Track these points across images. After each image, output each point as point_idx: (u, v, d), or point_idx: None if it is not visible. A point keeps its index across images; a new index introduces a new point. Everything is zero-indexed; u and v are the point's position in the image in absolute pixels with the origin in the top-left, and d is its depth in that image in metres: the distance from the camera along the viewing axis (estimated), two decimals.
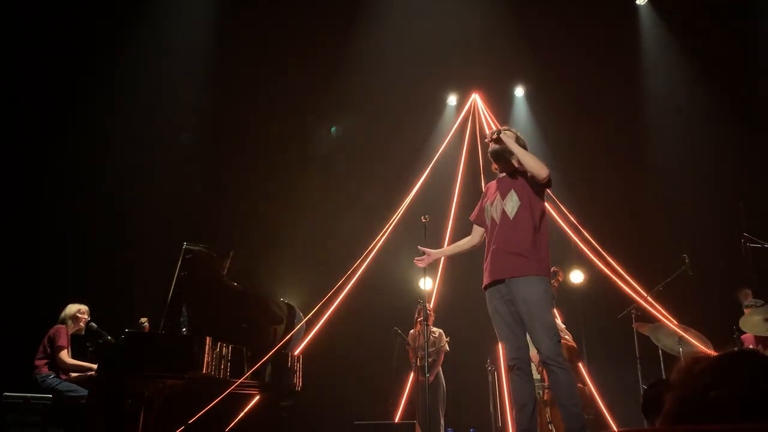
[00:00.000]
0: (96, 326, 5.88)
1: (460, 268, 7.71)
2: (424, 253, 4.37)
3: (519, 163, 3.89)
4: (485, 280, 3.85)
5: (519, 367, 3.70)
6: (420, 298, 5.71)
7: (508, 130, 4.06)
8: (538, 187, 3.83)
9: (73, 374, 5.69)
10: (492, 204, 3.97)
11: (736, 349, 5.02)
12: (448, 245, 7.74)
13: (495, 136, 3.88)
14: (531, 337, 3.69)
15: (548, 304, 3.64)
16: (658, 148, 9.07)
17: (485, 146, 4.09)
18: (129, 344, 4.64)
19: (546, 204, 3.93)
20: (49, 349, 5.68)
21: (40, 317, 6.20)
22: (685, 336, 5.57)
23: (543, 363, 3.68)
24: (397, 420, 6.64)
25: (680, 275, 6.01)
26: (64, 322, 5.87)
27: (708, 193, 8.37)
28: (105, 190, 8.13)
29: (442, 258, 7.64)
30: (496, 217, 3.89)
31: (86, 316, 5.97)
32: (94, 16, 8.21)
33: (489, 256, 3.87)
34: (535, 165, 3.71)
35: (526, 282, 3.64)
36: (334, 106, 9.36)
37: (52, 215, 7.71)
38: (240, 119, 9.24)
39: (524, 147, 3.95)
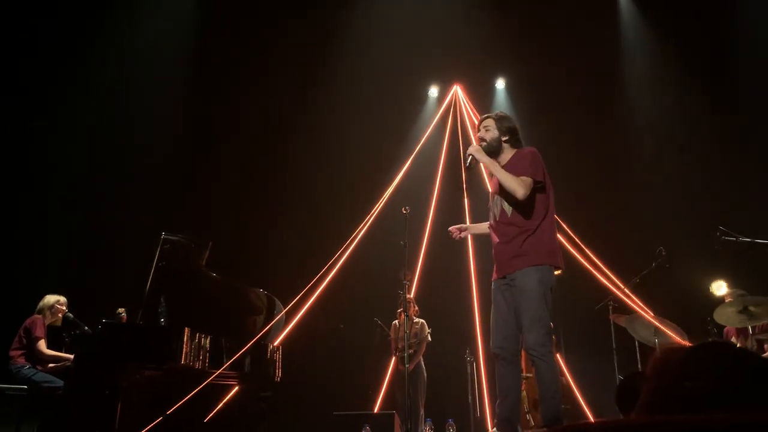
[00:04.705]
0: (73, 316, 5.83)
1: (441, 260, 7.74)
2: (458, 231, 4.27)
3: (509, 151, 3.89)
4: (493, 275, 3.90)
5: (503, 356, 3.71)
6: (400, 289, 5.73)
7: (488, 117, 4.02)
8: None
9: (50, 365, 5.64)
10: (493, 199, 3.97)
11: (710, 339, 5.11)
12: (428, 236, 7.81)
13: (467, 164, 3.90)
14: (522, 326, 3.67)
15: (541, 295, 3.59)
16: (637, 142, 9.15)
17: (467, 142, 4.10)
18: (106, 335, 4.59)
19: (549, 189, 3.81)
20: (24, 340, 5.61)
21: (16, 308, 6.12)
22: (661, 327, 5.66)
23: (527, 352, 3.70)
24: (376, 410, 6.67)
25: (656, 267, 6.08)
26: (41, 312, 5.82)
27: (684, 187, 8.47)
28: (83, 179, 8.04)
29: (424, 247, 7.73)
30: (497, 213, 3.90)
31: (64, 308, 5.91)
32: (75, 14, 8.15)
33: (493, 251, 3.90)
34: (510, 185, 3.67)
35: (523, 274, 3.65)
36: (316, 98, 9.29)
37: (31, 205, 7.61)
38: (221, 110, 9.16)
39: (509, 130, 3.91)
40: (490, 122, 3.95)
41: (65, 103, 8.07)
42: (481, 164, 3.88)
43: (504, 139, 3.90)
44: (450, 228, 4.29)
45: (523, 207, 3.73)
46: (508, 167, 3.79)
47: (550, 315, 3.65)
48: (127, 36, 8.62)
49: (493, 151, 3.88)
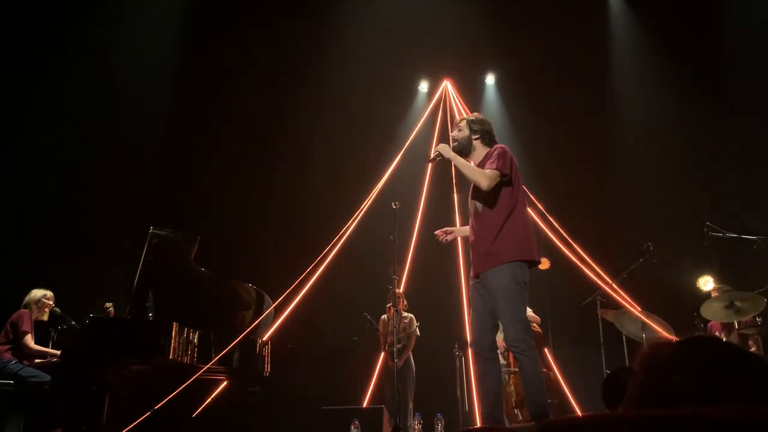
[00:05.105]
0: (60, 311, 5.79)
1: (431, 255, 7.75)
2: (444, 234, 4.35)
3: (482, 150, 4.00)
4: (471, 273, 3.97)
5: (478, 353, 3.79)
6: (389, 283, 5.74)
7: (463, 119, 4.17)
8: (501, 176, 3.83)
9: (36, 360, 5.60)
10: (469, 197, 4.05)
11: (696, 334, 5.15)
12: (418, 231, 7.82)
13: (430, 158, 4.08)
14: (501, 325, 3.73)
15: (514, 292, 3.64)
16: (626, 137, 9.19)
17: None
18: (93, 329, 4.57)
19: (518, 185, 3.88)
20: (11, 335, 5.57)
21: (1, 302, 6.07)
22: (648, 322, 5.70)
23: (509, 349, 3.74)
24: (365, 405, 6.67)
25: (644, 263, 6.13)
26: (27, 307, 5.76)
27: (672, 183, 8.53)
28: (72, 173, 7.97)
29: (413, 242, 7.74)
30: (471, 210, 4.00)
31: (51, 302, 5.87)
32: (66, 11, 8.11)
33: (470, 250, 3.98)
34: (473, 176, 3.79)
35: (494, 273, 3.71)
36: (306, 92, 9.27)
37: (17, 199, 7.54)
38: (211, 103, 9.11)
39: (482, 131, 4.03)
40: (463, 123, 4.11)
41: (54, 98, 8.00)
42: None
43: (475, 137, 4.04)
44: (436, 232, 4.37)
45: (491, 202, 3.82)
46: (480, 165, 3.91)
47: (525, 310, 3.70)
48: (117, 32, 8.56)
49: (463, 149, 4.03)
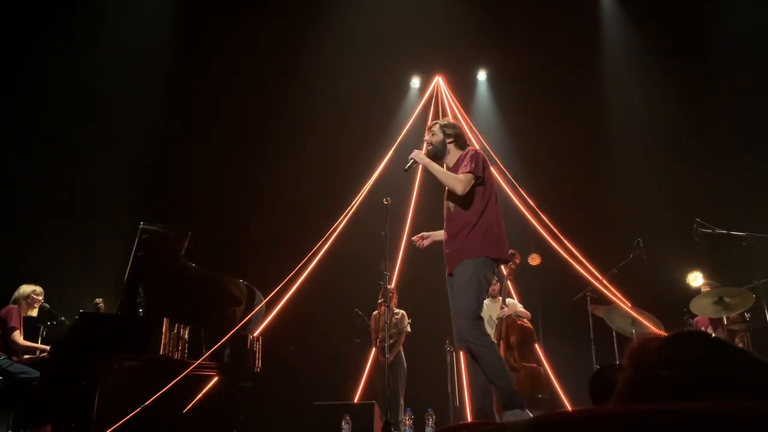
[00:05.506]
0: (49, 307, 5.75)
1: (422, 250, 7.75)
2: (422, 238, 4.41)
3: (455, 153, 4.07)
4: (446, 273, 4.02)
5: (467, 349, 3.80)
6: (381, 279, 5.73)
7: (436, 123, 4.23)
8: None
9: (25, 356, 5.56)
10: (444, 199, 4.12)
11: (685, 329, 5.18)
12: (410, 227, 7.83)
13: (406, 167, 4.15)
14: (453, 315, 3.80)
15: (473, 286, 3.68)
16: (617, 135, 9.22)
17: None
18: (83, 325, 4.54)
19: (489, 185, 3.95)
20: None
21: None
22: (638, 318, 5.72)
23: (465, 344, 3.72)
24: (356, 400, 6.68)
25: (634, 259, 6.16)
26: (16, 302, 5.72)
27: (663, 180, 8.56)
28: (61, 168, 7.92)
29: (404, 238, 7.74)
30: (445, 211, 4.08)
31: (40, 298, 5.83)
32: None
33: (444, 250, 4.03)
34: (448, 182, 3.87)
35: (459, 267, 3.79)
36: (299, 89, 9.24)
37: (6, 194, 7.49)
38: (202, 98, 9.07)
39: (454, 135, 4.10)
40: (436, 128, 4.18)
41: (47, 95, 7.93)
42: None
43: (449, 141, 4.11)
44: (413, 238, 4.45)
45: (463, 202, 3.88)
46: (454, 168, 3.99)
47: (480, 306, 3.73)
48: (112, 31, 8.51)
49: (438, 152, 4.11)
